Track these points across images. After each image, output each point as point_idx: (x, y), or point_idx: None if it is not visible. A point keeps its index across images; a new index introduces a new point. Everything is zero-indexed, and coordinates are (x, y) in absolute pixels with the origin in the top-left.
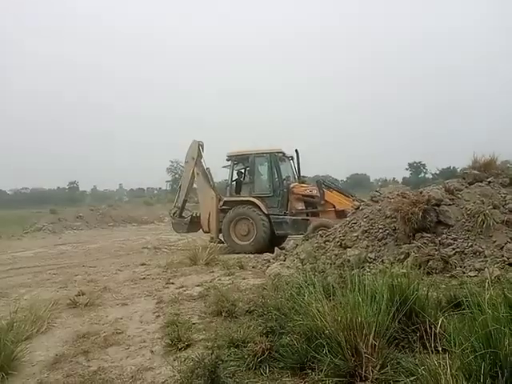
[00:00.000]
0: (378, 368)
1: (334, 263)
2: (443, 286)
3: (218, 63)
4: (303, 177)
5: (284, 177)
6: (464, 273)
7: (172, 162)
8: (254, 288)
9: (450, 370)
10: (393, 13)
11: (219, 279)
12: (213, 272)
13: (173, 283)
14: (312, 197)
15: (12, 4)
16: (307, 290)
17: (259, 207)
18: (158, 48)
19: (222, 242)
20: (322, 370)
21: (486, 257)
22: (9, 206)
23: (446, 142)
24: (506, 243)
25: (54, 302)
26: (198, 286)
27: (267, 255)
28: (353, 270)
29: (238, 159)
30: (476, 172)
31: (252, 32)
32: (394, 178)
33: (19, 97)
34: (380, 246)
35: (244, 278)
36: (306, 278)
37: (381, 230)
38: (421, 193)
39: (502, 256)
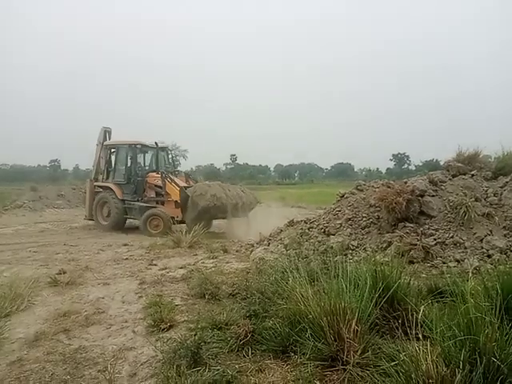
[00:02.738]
0: (359, 353)
1: (318, 250)
2: (424, 275)
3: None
4: (175, 169)
5: (140, 167)
6: (444, 263)
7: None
8: (238, 272)
9: (431, 356)
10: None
11: (202, 262)
12: (196, 255)
13: (155, 265)
14: (160, 187)
15: None
16: (291, 274)
17: (115, 193)
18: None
19: (92, 220)
20: (304, 354)
21: (466, 248)
22: None
23: (433, 136)
24: (485, 235)
25: (34, 280)
26: (181, 268)
27: (251, 239)
28: (336, 256)
29: (110, 148)
30: (460, 165)
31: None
32: (377, 169)
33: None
34: (363, 235)
35: (228, 262)
36: (290, 263)
37: (364, 219)
38: (405, 183)
39: (482, 248)
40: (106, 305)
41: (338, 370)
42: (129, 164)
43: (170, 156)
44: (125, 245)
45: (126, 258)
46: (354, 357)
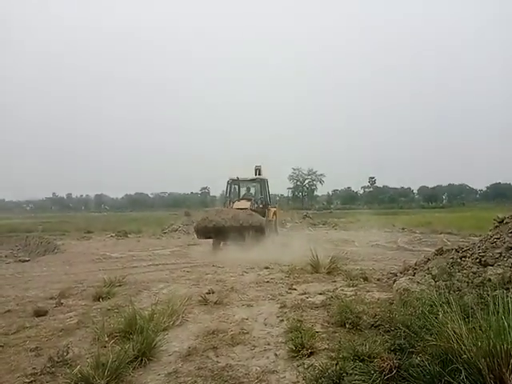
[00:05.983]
0: None
1: (472, 282)
2: None
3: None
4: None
5: (233, 195)
6: None
7: (294, 169)
8: (380, 302)
9: None
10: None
11: (342, 289)
12: (335, 282)
13: (295, 289)
14: None
15: None
16: (441, 308)
17: None
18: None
19: None
20: None
21: None
22: (150, 208)
23: None
24: None
25: (187, 298)
26: (320, 294)
27: (394, 268)
28: (495, 290)
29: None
30: None
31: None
32: None
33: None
34: None
35: (368, 291)
36: (440, 295)
37: None
38: None
39: None
40: (249, 326)
41: None
42: (227, 193)
43: (264, 186)
44: (266, 268)
45: (267, 281)
46: None
